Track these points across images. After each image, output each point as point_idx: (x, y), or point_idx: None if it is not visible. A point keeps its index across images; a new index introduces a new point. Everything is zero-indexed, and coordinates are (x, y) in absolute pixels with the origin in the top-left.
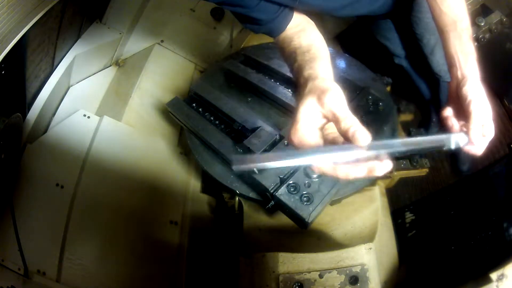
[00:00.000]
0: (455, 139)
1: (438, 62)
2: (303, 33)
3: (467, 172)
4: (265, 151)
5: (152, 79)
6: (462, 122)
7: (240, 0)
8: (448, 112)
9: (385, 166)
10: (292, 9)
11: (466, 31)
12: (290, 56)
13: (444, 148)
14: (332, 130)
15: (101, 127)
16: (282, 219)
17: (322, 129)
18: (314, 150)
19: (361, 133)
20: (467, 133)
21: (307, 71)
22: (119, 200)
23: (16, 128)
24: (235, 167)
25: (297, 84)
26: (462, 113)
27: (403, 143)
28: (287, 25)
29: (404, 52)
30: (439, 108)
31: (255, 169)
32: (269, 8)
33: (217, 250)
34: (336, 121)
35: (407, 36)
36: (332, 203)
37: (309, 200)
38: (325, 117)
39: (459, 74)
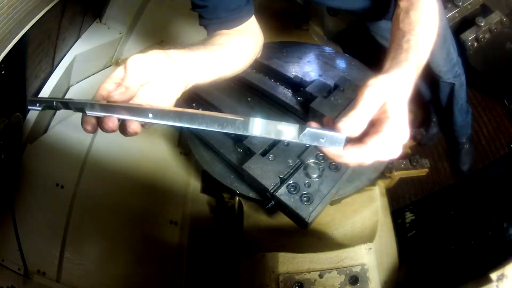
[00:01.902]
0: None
1: (437, 63)
2: (228, 36)
3: (467, 172)
4: (265, 151)
5: None
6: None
7: None
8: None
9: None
10: (248, 14)
11: (411, 42)
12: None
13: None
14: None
15: None
16: (282, 219)
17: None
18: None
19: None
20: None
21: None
22: (119, 200)
23: (16, 128)
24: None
25: None
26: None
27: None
28: (226, 29)
29: None
30: (439, 108)
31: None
32: (229, 6)
33: (217, 250)
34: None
35: None
36: (332, 203)
37: (309, 200)
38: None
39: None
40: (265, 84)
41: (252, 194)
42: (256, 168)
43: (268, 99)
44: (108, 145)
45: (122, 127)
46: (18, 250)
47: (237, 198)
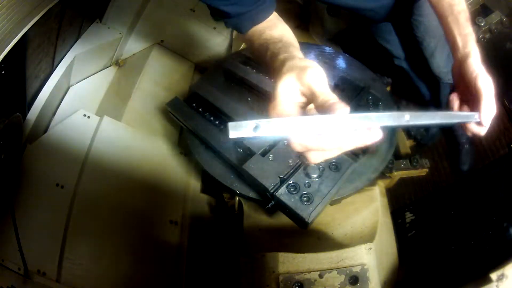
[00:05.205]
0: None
1: (438, 64)
2: (273, 27)
3: (467, 172)
4: (265, 151)
5: (152, 79)
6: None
7: None
8: (455, 96)
9: (374, 135)
10: (271, 5)
11: (463, 13)
12: (260, 47)
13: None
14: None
15: (101, 127)
16: (282, 219)
17: (302, 107)
18: (305, 119)
19: (339, 105)
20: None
21: (282, 55)
22: (119, 200)
23: (16, 128)
24: (231, 135)
25: (272, 69)
26: (468, 95)
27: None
28: (259, 22)
29: (404, 54)
30: (439, 108)
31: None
32: (246, 1)
33: (217, 250)
34: (313, 97)
35: (407, 39)
36: (332, 203)
37: (309, 200)
38: (304, 94)
39: (459, 55)
40: (265, 84)
41: (252, 194)
42: (256, 168)
43: (268, 99)
44: (108, 145)
45: None
46: (18, 250)
47: (237, 198)
